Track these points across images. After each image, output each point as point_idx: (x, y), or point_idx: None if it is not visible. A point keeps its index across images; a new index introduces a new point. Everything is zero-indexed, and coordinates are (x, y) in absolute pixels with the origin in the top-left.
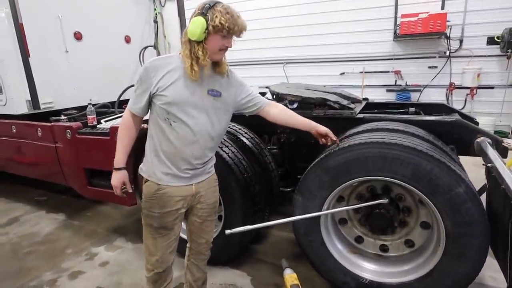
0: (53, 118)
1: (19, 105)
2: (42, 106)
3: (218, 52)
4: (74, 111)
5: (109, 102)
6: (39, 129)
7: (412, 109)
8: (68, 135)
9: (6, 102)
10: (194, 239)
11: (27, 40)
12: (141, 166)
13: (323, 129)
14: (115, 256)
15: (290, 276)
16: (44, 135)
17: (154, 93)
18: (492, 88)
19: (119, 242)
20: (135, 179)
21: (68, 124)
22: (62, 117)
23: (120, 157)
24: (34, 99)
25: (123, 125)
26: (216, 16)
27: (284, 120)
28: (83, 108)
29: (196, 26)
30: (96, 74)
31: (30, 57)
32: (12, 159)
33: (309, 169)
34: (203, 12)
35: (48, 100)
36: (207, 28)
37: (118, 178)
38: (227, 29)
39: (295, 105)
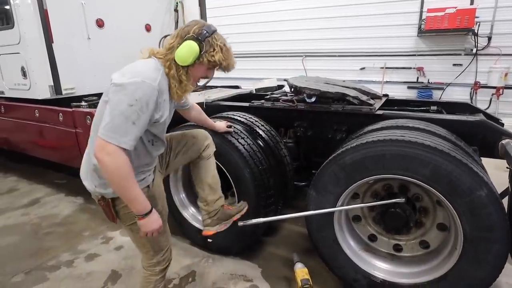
0: (74, 104)
1: (42, 90)
2: (64, 92)
3: (199, 80)
4: (95, 98)
5: None
6: (60, 114)
7: (434, 108)
8: (88, 121)
9: (30, 86)
10: None
11: (51, 26)
12: (103, 190)
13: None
14: (129, 241)
15: (301, 270)
16: (65, 120)
17: (155, 121)
18: None
19: None
20: None
21: (88, 110)
22: (83, 103)
23: (144, 199)
24: (56, 85)
25: (125, 165)
26: (216, 52)
27: (197, 121)
28: None
29: (190, 53)
30: (116, 62)
31: (54, 43)
32: (34, 142)
33: (325, 165)
34: (199, 39)
35: (70, 86)
36: (198, 58)
37: (157, 219)
38: (220, 66)
39: (313, 99)
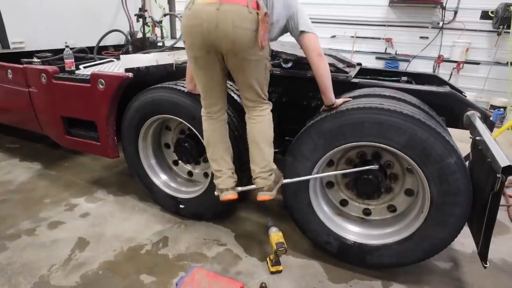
0: (25, 60)
1: None
2: (11, 46)
3: None
4: (49, 54)
5: (87, 47)
6: (9, 70)
7: (404, 78)
8: (43, 79)
9: None
10: None
11: None
12: None
13: None
14: (96, 208)
15: (275, 234)
16: (16, 78)
17: None
18: (478, 64)
19: (100, 194)
20: (118, 130)
21: (42, 67)
22: (35, 59)
23: None
24: (2, 37)
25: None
26: None
27: None
28: (58, 51)
29: None
30: (72, 14)
31: None
32: None
33: (303, 131)
34: None
35: (19, 39)
36: None
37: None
38: None
39: (289, 64)
